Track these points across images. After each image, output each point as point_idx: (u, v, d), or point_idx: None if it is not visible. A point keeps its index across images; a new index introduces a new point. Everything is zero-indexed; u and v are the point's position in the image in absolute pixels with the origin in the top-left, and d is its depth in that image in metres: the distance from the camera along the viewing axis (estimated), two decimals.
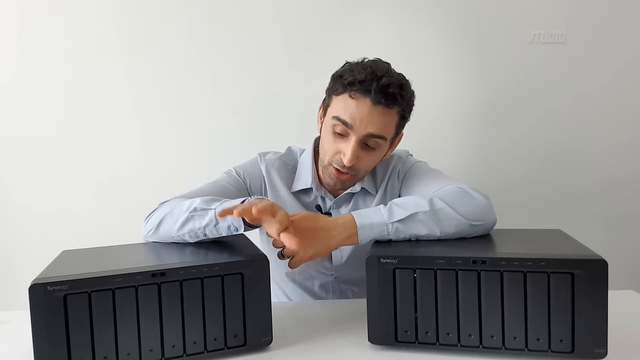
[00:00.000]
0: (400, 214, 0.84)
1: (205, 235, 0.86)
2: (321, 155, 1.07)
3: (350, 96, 0.96)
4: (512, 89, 1.57)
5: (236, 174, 1.11)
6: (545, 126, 1.58)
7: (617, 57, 1.56)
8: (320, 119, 1.09)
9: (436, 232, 0.84)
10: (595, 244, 0.81)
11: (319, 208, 1.12)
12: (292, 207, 1.10)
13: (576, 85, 1.57)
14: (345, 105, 0.97)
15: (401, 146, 1.22)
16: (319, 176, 1.12)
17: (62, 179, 1.55)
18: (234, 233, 0.84)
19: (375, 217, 0.84)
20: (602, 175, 1.59)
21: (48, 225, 1.56)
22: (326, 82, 1.08)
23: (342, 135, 0.99)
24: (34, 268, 0.78)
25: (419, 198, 0.88)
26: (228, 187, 1.06)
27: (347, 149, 0.97)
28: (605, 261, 0.67)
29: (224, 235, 0.85)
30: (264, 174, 1.12)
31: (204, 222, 0.84)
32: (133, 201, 1.54)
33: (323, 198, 1.12)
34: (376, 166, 1.13)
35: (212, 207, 0.84)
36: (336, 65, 1.05)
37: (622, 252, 1.60)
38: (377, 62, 1.00)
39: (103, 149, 1.55)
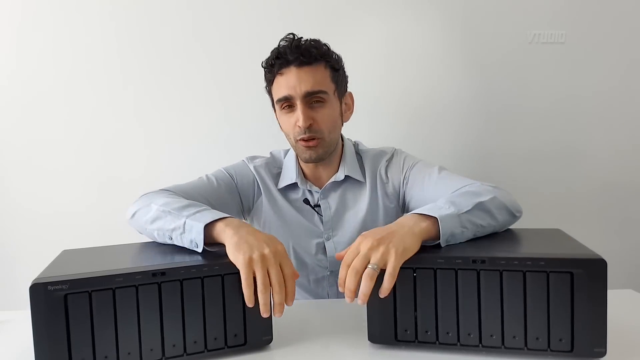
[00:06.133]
0: (464, 205, 0.81)
1: (171, 239, 0.84)
2: (289, 140, 1.11)
3: (279, 74, 1.05)
4: (512, 89, 1.56)
5: (227, 173, 1.15)
6: (545, 126, 1.58)
7: (617, 57, 1.56)
8: (277, 119, 1.14)
9: (493, 223, 0.84)
10: (594, 243, 0.81)
11: (307, 202, 1.14)
12: (282, 204, 1.15)
13: (576, 85, 1.57)
14: (278, 86, 1.06)
15: (403, 146, 1.22)
16: (304, 171, 1.16)
17: (63, 179, 1.55)
18: (194, 249, 0.80)
19: (442, 210, 0.79)
20: (602, 175, 1.59)
21: (48, 225, 1.56)
22: None
23: (291, 108, 1.06)
24: (35, 268, 0.78)
25: (463, 195, 0.87)
26: (214, 181, 1.11)
27: (298, 115, 1.03)
28: (605, 261, 0.67)
29: (185, 246, 0.82)
30: (254, 172, 1.16)
31: (172, 226, 0.83)
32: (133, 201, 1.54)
33: (310, 191, 1.15)
34: (362, 156, 1.18)
35: (184, 213, 0.83)
36: None
37: (622, 251, 1.60)
38: (284, 39, 1.07)
39: (103, 149, 1.55)
